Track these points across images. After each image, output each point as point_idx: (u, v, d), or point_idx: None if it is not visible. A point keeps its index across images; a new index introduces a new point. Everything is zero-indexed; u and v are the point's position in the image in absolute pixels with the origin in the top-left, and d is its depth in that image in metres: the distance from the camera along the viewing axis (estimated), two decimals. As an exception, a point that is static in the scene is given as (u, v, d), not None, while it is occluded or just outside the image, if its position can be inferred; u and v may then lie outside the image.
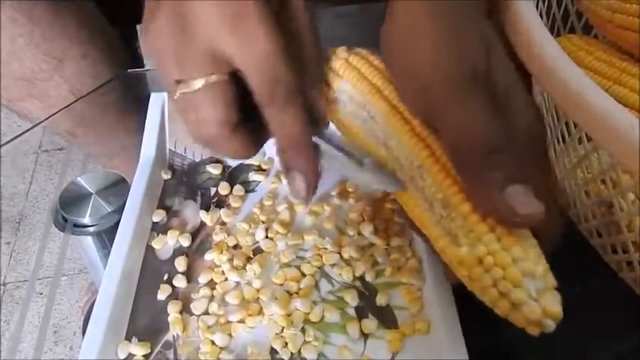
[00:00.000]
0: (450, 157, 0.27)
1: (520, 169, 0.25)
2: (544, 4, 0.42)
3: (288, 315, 0.37)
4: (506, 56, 0.28)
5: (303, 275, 0.39)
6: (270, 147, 0.48)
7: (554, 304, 0.23)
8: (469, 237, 0.25)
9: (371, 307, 0.38)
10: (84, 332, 0.36)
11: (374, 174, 0.30)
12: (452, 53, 0.26)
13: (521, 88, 0.28)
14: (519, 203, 0.24)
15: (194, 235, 0.43)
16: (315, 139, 0.31)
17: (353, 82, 0.32)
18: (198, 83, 0.28)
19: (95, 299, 0.37)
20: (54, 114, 0.56)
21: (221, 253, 0.41)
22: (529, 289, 0.23)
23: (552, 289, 0.24)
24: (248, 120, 0.31)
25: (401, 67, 0.29)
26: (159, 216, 0.44)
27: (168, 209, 0.45)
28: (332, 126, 0.33)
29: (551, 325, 0.23)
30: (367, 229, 0.41)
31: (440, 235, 0.27)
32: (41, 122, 0.58)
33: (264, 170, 0.47)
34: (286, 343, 0.36)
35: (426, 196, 0.28)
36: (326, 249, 0.41)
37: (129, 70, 0.60)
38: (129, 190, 0.44)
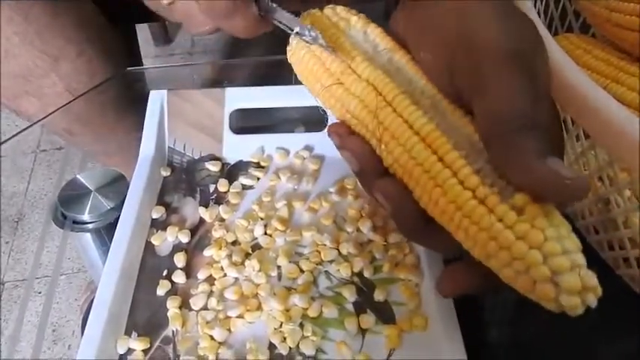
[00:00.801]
0: (487, 129, 0.26)
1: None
2: (542, 3, 0.42)
3: (287, 310, 0.37)
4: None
5: (302, 271, 0.39)
6: (268, 145, 0.49)
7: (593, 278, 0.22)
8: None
9: (369, 302, 0.38)
10: (83, 331, 0.36)
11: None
12: (503, 29, 0.26)
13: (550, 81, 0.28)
14: (562, 169, 0.23)
15: (193, 231, 0.43)
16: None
17: (380, 34, 0.32)
18: None
19: (94, 298, 0.37)
20: (52, 112, 0.56)
21: (220, 249, 0.41)
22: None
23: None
24: None
25: (434, 41, 0.29)
26: (158, 212, 0.44)
27: (167, 206, 0.45)
28: None
29: (593, 301, 0.22)
30: (365, 226, 0.41)
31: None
32: (39, 120, 0.58)
33: (262, 167, 0.48)
34: (285, 338, 0.36)
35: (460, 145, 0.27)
36: (324, 245, 0.41)
37: (128, 69, 0.60)
38: (128, 187, 0.45)
